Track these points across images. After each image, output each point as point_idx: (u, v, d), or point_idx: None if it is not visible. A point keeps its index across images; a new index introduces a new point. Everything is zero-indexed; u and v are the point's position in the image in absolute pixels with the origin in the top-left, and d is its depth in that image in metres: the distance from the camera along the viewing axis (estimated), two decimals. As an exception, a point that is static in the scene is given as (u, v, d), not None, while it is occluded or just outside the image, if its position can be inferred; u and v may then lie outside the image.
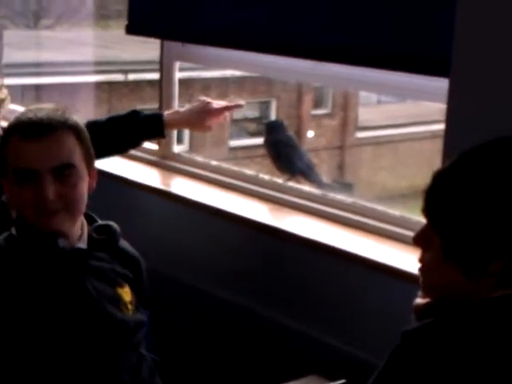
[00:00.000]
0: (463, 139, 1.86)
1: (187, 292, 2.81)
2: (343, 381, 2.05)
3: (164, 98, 3.04)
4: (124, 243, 2.16)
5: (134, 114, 2.69)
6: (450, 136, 1.92)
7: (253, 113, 9.64)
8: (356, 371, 2.21)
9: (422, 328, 1.43)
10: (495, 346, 1.37)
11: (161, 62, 3.02)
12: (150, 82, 8.82)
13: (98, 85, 8.71)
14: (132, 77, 8.96)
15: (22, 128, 1.96)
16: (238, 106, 2.78)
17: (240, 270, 2.68)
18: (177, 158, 2.98)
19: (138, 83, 8.90)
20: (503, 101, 1.81)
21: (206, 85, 9.03)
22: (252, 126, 8.32)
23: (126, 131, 2.64)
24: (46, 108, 2.01)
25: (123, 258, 2.12)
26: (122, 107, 8.88)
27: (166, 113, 2.72)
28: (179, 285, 2.83)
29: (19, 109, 3.40)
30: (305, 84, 6.85)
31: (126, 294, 2.05)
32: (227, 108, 2.74)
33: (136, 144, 2.74)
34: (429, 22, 2.15)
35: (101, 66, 8.95)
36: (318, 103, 8.46)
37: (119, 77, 8.94)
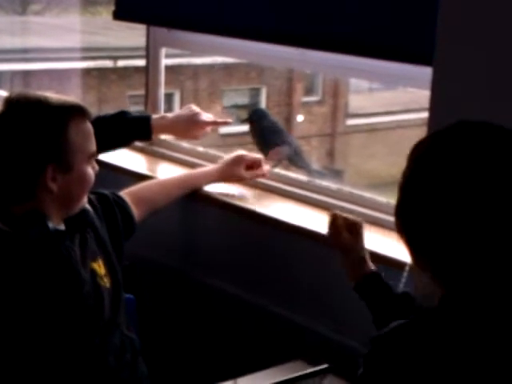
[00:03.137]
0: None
1: (170, 277, 2.82)
2: (325, 365, 2.05)
3: (150, 85, 3.02)
4: (93, 213, 2.17)
5: (122, 114, 2.69)
6: (434, 124, 1.92)
7: (243, 100, 9.64)
8: (341, 357, 2.22)
9: (389, 332, 1.43)
10: (460, 348, 1.36)
11: (147, 49, 3.01)
12: (139, 69, 8.81)
13: (87, 71, 8.68)
14: (121, 63, 8.93)
15: (79, 110, 2.01)
16: (226, 123, 2.78)
17: (226, 256, 2.68)
18: (163, 143, 2.97)
19: (126, 69, 8.87)
20: (486, 89, 1.81)
21: (196, 71, 9.02)
22: (243, 113, 8.31)
23: (112, 132, 2.62)
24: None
25: (94, 232, 2.15)
26: (111, 93, 8.87)
27: (154, 117, 2.72)
28: (164, 270, 2.83)
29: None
30: (295, 71, 6.84)
31: (99, 266, 2.10)
32: (215, 123, 2.74)
33: (122, 145, 2.75)
34: (413, 12, 2.15)
35: (90, 52, 8.91)
36: (308, 90, 8.46)
37: (108, 63, 8.91)
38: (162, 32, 2.93)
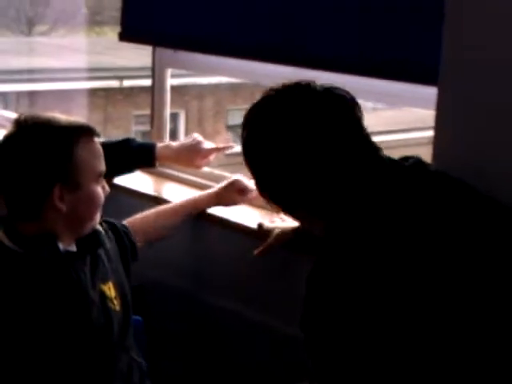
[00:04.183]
0: (452, 145, 1.89)
1: (178, 298, 2.81)
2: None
3: (156, 105, 3.03)
4: (105, 235, 2.17)
5: (127, 142, 2.71)
6: (439, 142, 1.92)
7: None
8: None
9: (316, 266, 1.60)
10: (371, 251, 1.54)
11: (153, 69, 3.01)
12: (145, 88, 8.84)
13: (93, 91, 8.72)
14: (127, 83, 8.97)
15: (87, 130, 2.02)
16: (229, 148, 2.80)
17: (234, 278, 2.67)
18: (170, 164, 2.97)
19: (132, 89, 8.92)
20: (491, 108, 1.81)
21: (201, 91, 9.05)
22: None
23: (117, 159, 2.63)
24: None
25: (106, 254, 2.15)
26: (117, 113, 8.90)
27: (159, 145, 2.75)
28: (172, 292, 2.82)
29: (14, 115, 3.41)
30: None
31: (109, 289, 2.09)
32: (217, 149, 2.76)
33: (126, 172, 2.77)
34: (418, 32, 2.15)
35: (95, 72, 8.97)
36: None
37: (114, 83, 8.96)
38: (167, 53, 2.94)
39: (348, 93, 1.68)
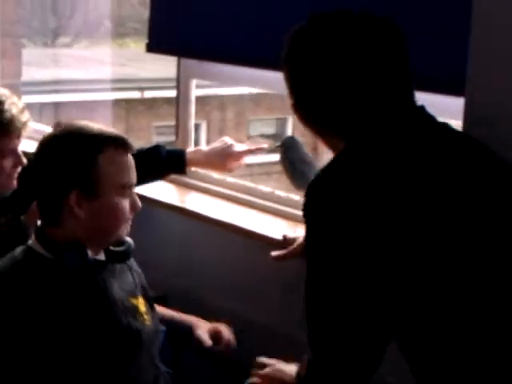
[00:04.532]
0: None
1: (202, 308, 2.81)
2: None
3: (181, 116, 3.05)
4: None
5: (157, 148, 2.73)
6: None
7: (269, 129, 9.67)
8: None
9: (319, 178, 1.65)
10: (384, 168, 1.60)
11: (177, 80, 3.03)
12: (166, 100, 8.89)
13: (116, 102, 8.76)
14: (148, 94, 9.01)
15: (116, 141, 2.02)
16: (260, 150, 2.80)
17: (257, 288, 2.67)
18: (194, 174, 2.98)
19: (154, 100, 8.95)
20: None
21: (223, 102, 9.07)
22: (268, 143, 8.34)
23: (147, 165, 2.65)
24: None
25: (136, 269, 2.18)
26: (139, 124, 8.93)
27: (188, 151, 2.78)
28: (194, 301, 2.83)
29: (40, 127, 3.44)
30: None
31: (141, 304, 2.10)
32: (250, 151, 2.76)
33: (156, 178, 2.79)
34: (444, 42, 2.15)
35: (118, 83, 9.01)
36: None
37: (136, 94, 9.00)
38: (192, 64, 2.96)
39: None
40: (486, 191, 1.62)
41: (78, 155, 1.98)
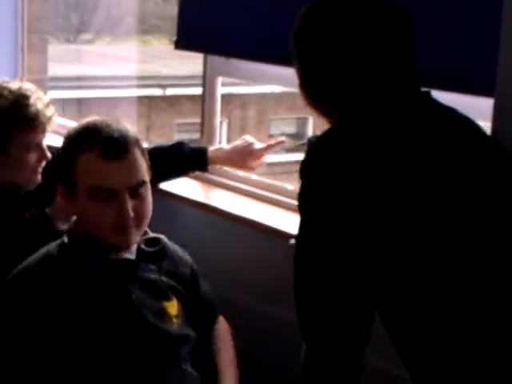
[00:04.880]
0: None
1: (227, 306, 2.81)
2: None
3: (206, 113, 3.05)
4: (176, 251, 2.18)
5: (179, 145, 2.74)
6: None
7: (290, 129, 9.67)
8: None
9: (321, 139, 1.67)
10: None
11: (204, 77, 3.03)
12: (188, 97, 8.90)
13: (138, 99, 8.78)
14: (170, 91, 9.02)
15: (102, 145, 1.98)
16: (280, 143, 2.82)
17: (280, 285, 2.67)
18: (218, 171, 2.99)
19: (177, 98, 8.96)
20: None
21: (245, 101, 9.07)
22: (289, 142, 8.34)
23: (170, 162, 2.68)
24: (110, 122, 2.03)
25: (172, 270, 2.13)
26: (161, 121, 8.95)
27: (210, 148, 2.79)
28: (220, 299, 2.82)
29: (64, 122, 3.45)
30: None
31: (172, 307, 2.06)
32: (270, 146, 2.78)
33: (179, 175, 2.81)
34: (473, 41, 2.15)
35: (140, 80, 9.03)
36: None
37: (158, 91, 9.02)
38: (219, 61, 2.96)
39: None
40: (477, 170, 1.64)
41: (63, 153, 2.03)
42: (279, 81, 2.97)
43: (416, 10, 1.95)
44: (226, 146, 2.82)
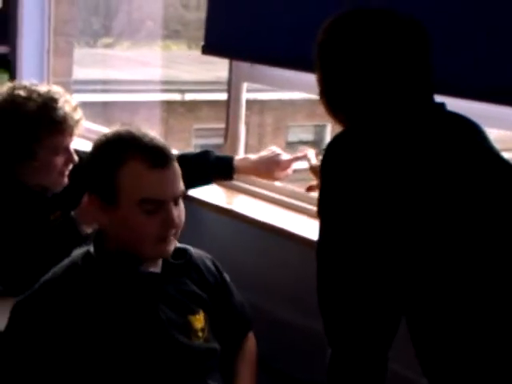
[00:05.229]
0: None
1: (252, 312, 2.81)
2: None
3: (231, 119, 3.05)
4: (201, 259, 2.17)
5: (206, 154, 2.75)
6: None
7: (308, 136, 9.66)
8: None
9: (335, 140, 1.73)
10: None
11: (229, 83, 3.04)
12: (208, 102, 8.92)
13: (158, 103, 8.80)
14: (189, 96, 9.03)
15: (147, 155, 1.94)
16: (307, 156, 2.82)
17: (302, 291, 2.67)
18: (242, 177, 2.99)
19: (195, 103, 8.97)
20: None
21: (263, 107, 9.07)
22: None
23: (195, 171, 2.68)
24: (145, 131, 2.02)
25: (198, 280, 2.11)
26: (179, 126, 8.97)
27: (236, 158, 2.80)
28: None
29: (92, 126, 3.46)
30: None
31: (198, 321, 2.04)
32: (297, 158, 2.78)
33: (204, 183, 2.81)
34: (498, 50, 2.15)
35: (160, 85, 9.04)
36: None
37: (177, 96, 9.03)
38: (244, 67, 2.97)
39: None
40: (482, 179, 1.68)
41: (104, 163, 1.97)
42: (303, 87, 2.97)
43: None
44: (252, 155, 2.82)
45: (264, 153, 2.80)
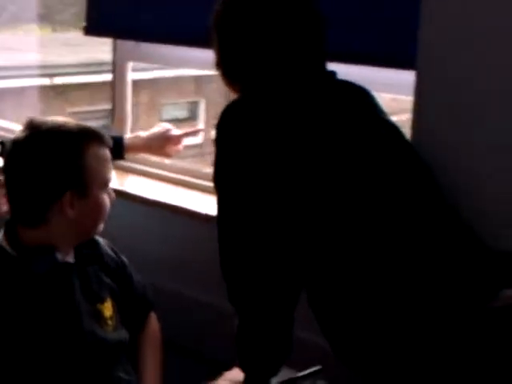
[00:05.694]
0: (429, 129, 1.94)
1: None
2: (319, 367, 2.05)
3: (117, 99, 3.02)
4: (105, 247, 2.17)
5: None
6: (418, 126, 1.97)
7: (182, 113, 9.64)
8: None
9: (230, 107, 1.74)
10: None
11: (114, 63, 3.00)
12: (77, 86, 8.77)
13: (27, 89, 8.58)
14: (59, 80, 8.85)
15: (97, 136, 1.98)
16: (197, 131, 2.84)
17: (203, 267, 2.68)
18: (131, 157, 2.96)
19: (66, 87, 8.81)
20: (469, 91, 1.86)
21: (136, 86, 9.00)
22: (182, 126, 8.33)
23: None
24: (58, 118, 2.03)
25: (107, 269, 2.13)
26: (51, 111, 8.78)
27: (127, 136, 2.78)
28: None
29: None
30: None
31: (107, 309, 2.05)
32: (187, 134, 2.77)
33: None
34: (395, 17, 2.19)
35: (29, 70, 8.82)
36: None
37: (46, 81, 8.83)
38: (129, 45, 2.93)
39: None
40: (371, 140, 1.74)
41: (66, 155, 1.94)
42: (193, 63, 2.96)
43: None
44: (142, 133, 2.80)
45: (155, 129, 2.78)
